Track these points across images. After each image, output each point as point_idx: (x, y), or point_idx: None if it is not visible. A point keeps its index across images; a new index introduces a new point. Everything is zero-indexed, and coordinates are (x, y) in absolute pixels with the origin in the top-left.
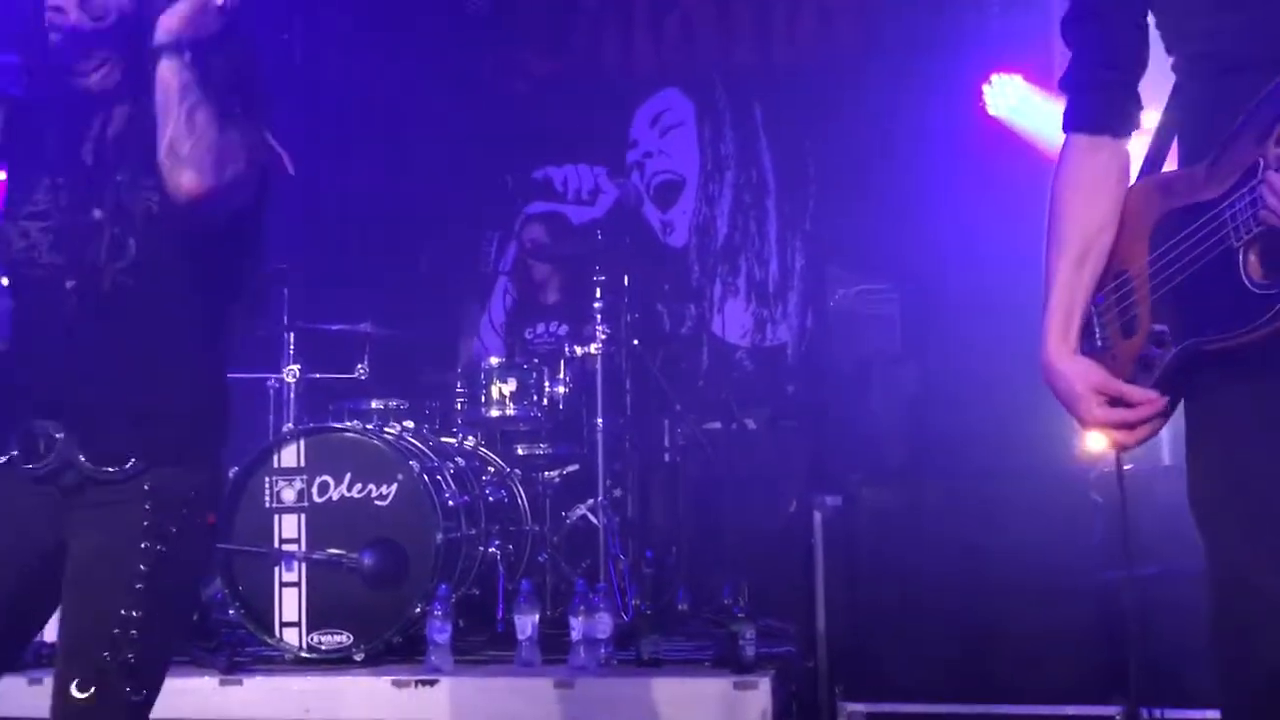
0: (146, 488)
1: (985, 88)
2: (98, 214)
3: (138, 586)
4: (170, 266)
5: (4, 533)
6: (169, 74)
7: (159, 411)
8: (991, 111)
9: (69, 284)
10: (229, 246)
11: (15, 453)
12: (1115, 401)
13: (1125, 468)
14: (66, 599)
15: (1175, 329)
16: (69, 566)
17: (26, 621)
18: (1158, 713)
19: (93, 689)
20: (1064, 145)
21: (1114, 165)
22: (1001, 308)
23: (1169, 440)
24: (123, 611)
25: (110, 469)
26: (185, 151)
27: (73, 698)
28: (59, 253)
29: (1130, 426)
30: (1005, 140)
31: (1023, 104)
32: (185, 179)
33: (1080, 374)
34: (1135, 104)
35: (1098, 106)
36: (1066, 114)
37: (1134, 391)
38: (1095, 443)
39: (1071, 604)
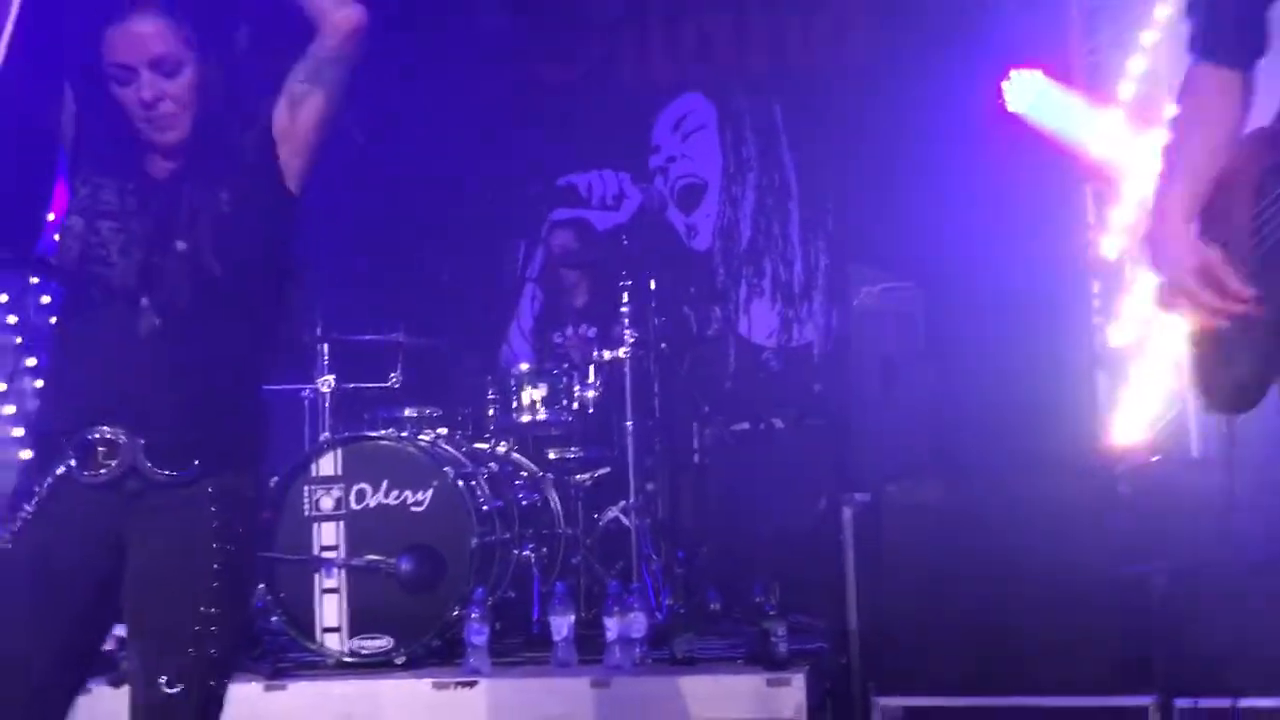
0: (210, 491)
1: (1004, 84)
2: (169, 219)
3: (214, 585)
4: (236, 270)
5: (74, 545)
6: None
7: (219, 416)
8: (1011, 108)
9: (139, 289)
10: (285, 240)
11: (72, 462)
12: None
13: (1153, 459)
14: (141, 601)
15: (1269, 293)
16: (138, 571)
17: (100, 630)
18: (1190, 703)
19: (182, 684)
20: (1188, 70)
21: (1232, 96)
22: (1025, 303)
23: (1197, 433)
24: (202, 609)
25: (174, 473)
26: None
27: (163, 693)
28: (129, 256)
29: (1213, 309)
30: (1025, 136)
31: (1042, 99)
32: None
33: (1198, 247)
34: (1257, 34)
35: (1215, 36)
36: (1189, 42)
37: (1237, 284)
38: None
39: (1102, 596)
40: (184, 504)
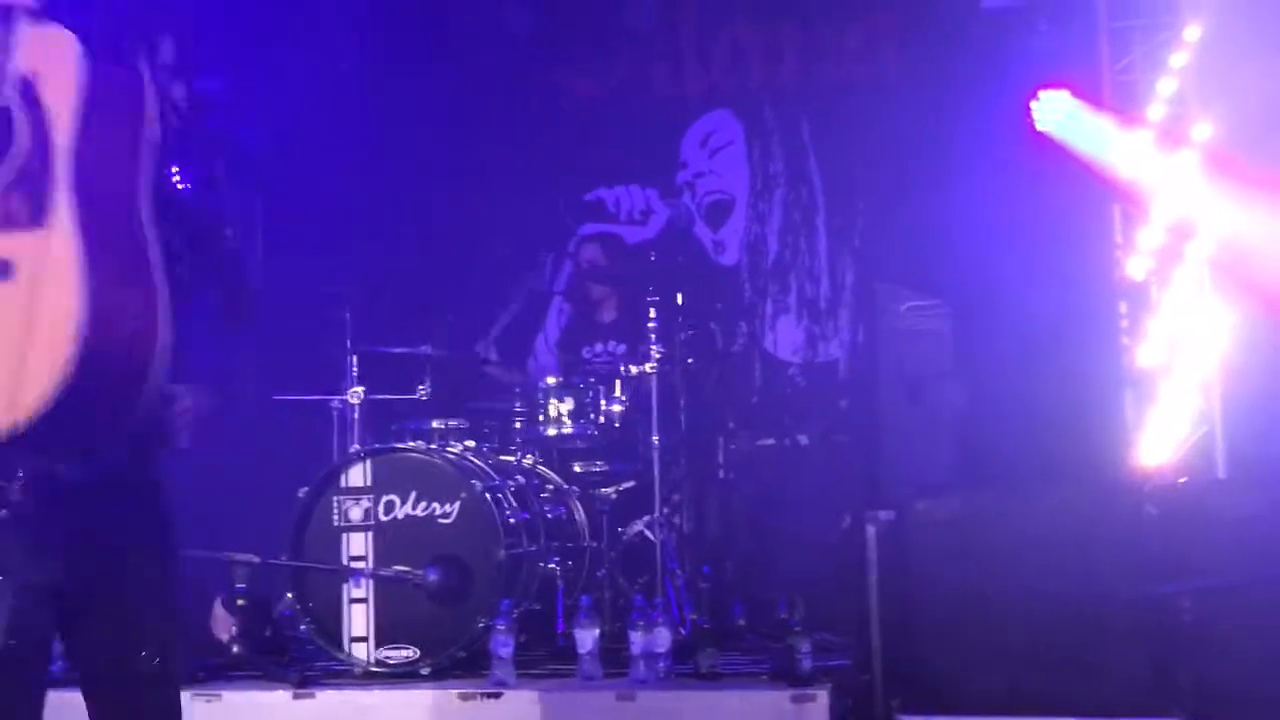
0: (156, 494)
1: (1033, 104)
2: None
3: (175, 571)
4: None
5: (38, 570)
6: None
7: (155, 433)
8: (1040, 127)
9: None
10: None
11: (17, 499)
12: None
13: (1180, 480)
14: (115, 595)
15: None
16: (105, 571)
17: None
18: None
19: (161, 657)
20: None
21: None
22: (1052, 322)
23: (1225, 453)
24: (167, 592)
25: (129, 495)
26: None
27: (148, 666)
28: None
29: None
30: (1054, 155)
31: (1071, 119)
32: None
33: None
34: None
35: None
36: None
37: None
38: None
39: (1128, 616)
40: (138, 509)
